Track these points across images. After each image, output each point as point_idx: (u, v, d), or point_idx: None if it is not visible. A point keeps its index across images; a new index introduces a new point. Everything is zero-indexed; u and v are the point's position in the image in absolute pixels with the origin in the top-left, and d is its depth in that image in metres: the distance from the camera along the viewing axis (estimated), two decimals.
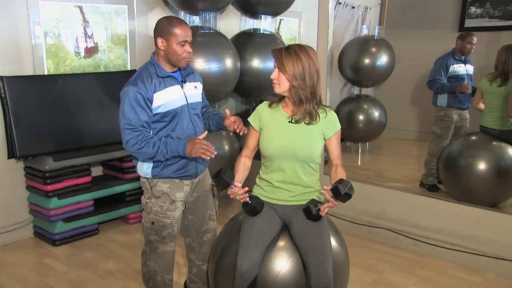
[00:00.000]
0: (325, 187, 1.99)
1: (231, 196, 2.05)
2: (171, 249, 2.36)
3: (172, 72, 2.20)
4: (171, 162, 2.20)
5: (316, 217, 2.03)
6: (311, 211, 2.02)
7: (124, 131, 2.09)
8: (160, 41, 2.12)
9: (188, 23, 3.96)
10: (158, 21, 2.16)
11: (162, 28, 2.12)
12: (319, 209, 2.01)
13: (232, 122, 2.28)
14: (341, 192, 1.89)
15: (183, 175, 2.25)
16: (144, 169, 2.24)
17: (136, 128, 2.07)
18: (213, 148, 2.06)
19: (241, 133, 2.26)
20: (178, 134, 2.19)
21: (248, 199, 2.06)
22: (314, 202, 2.04)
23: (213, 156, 2.06)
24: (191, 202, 2.41)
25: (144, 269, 2.43)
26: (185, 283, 2.72)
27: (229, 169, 2.05)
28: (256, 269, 1.96)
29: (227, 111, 2.32)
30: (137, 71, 2.19)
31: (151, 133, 2.16)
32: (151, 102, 2.11)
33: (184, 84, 2.23)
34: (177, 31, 2.10)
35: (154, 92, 2.11)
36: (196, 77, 2.35)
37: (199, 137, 2.10)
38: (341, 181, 1.92)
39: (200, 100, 2.36)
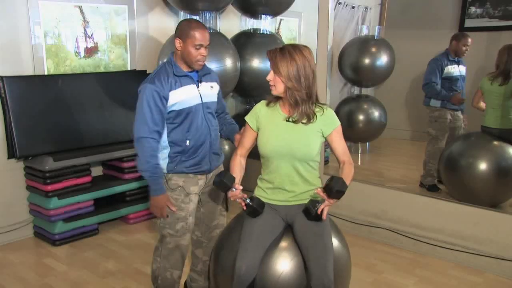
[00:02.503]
0: (318, 188, 1.99)
1: (232, 199, 2.05)
2: (183, 243, 2.37)
3: (188, 72, 2.26)
4: (186, 158, 2.28)
5: (317, 218, 2.02)
6: (310, 212, 2.01)
7: (140, 126, 2.17)
8: (178, 41, 2.20)
9: None
10: (179, 22, 2.27)
11: (181, 29, 2.20)
12: (315, 208, 2.00)
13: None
14: (332, 190, 1.89)
15: (197, 171, 2.31)
16: (160, 163, 2.29)
17: (151, 125, 2.16)
18: (164, 214, 2.28)
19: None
20: (193, 133, 2.26)
21: (249, 201, 2.06)
22: (313, 203, 2.03)
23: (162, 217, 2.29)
24: (204, 196, 2.46)
25: (154, 265, 2.43)
26: (185, 282, 2.72)
27: (229, 172, 2.06)
28: (255, 271, 1.95)
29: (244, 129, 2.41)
30: (155, 69, 2.28)
31: (165, 131, 2.24)
32: (167, 100, 2.19)
33: (200, 84, 2.29)
34: (194, 34, 2.17)
35: (170, 90, 2.19)
36: (213, 77, 2.40)
37: (167, 199, 2.26)
38: (332, 178, 1.91)
39: (215, 100, 2.41)
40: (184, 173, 2.30)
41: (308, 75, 1.99)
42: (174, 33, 2.26)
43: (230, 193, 2.02)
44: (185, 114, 2.23)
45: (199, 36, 2.17)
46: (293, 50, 1.99)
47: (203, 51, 2.20)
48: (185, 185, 2.31)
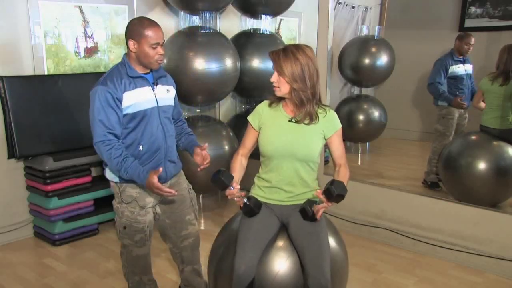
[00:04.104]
0: (318, 190, 1.98)
1: (229, 197, 2.04)
2: (145, 252, 2.36)
3: (143, 74, 2.17)
4: None
5: (313, 218, 2.02)
6: (307, 213, 2.01)
7: (95, 131, 2.09)
8: (131, 43, 2.09)
9: (188, 23, 3.97)
10: (129, 23, 2.14)
11: (133, 30, 2.09)
12: (311, 209, 2.00)
13: (201, 156, 2.25)
14: (333, 194, 1.89)
15: None
16: (111, 173, 2.23)
17: (107, 128, 2.07)
18: (172, 191, 2.07)
19: (198, 169, 2.26)
20: (146, 138, 2.17)
21: (246, 200, 2.05)
22: (309, 203, 2.03)
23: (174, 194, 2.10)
24: (166, 206, 2.37)
25: (124, 269, 2.44)
26: (179, 286, 2.70)
27: (227, 170, 2.04)
28: (254, 271, 1.95)
29: (206, 145, 2.29)
30: (108, 71, 2.17)
31: (120, 134, 2.13)
32: (121, 102, 2.09)
33: (155, 87, 2.21)
34: (149, 33, 2.06)
35: (124, 91, 2.09)
36: (168, 80, 2.32)
37: (154, 178, 2.03)
38: (332, 182, 1.91)
39: (172, 104, 2.33)
40: (137, 183, 2.16)
41: (312, 74, 2.00)
42: (125, 34, 2.13)
43: (227, 192, 2.01)
44: (140, 118, 2.13)
45: (154, 34, 2.06)
46: (296, 50, 1.99)
47: (160, 49, 2.10)
48: (139, 197, 2.22)
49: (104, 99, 2.06)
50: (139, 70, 2.16)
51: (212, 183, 2.01)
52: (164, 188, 2.05)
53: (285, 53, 1.99)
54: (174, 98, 2.37)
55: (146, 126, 2.16)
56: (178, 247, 2.45)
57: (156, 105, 2.20)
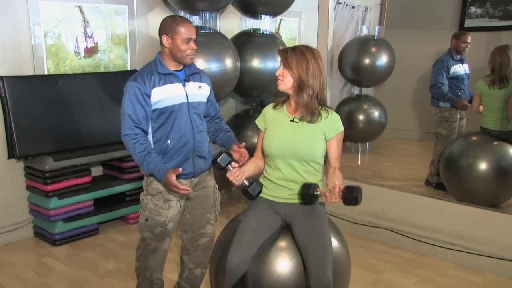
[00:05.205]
0: (337, 182, 1.98)
1: (230, 179, 2.06)
2: (163, 247, 2.37)
3: (175, 70, 2.23)
4: (167, 160, 2.22)
5: (311, 198, 2.01)
6: (308, 191, 2.00)
7: (123, 124, 2.17)
8: (165, 38, 2.18)
9: None
10: (163, 20, 2.23)
11: (167, 26, 2.18)
12: (315, 190, 1.99)
13: (240, 153, 2.27)
14: (352, 194, 1.89)
15: (180, 174, 2.19)
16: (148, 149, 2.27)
17: (134, 122, 2.14)
18: (189, 188, 2.14)
19: (240, 163, 2.27)
20: (174, 133, 2.22)
21: (246, 182, 2.08)
22: (311, 185, 2.02)
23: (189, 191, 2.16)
24: (189, 202, 2.39)
25: (137, 263, 2.45)
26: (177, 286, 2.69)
27: (228, 152, 2.10)
28: (246, 266, 1.98)
29: (244, 144, 2.33)
30: (141, 67, 2.26)
31: (149, 129, 2.21)
32: (149, 97, 2.16)
33: (186, 83, 2.26)
34: (182, 29, 2.15)
35: (153, 87, 2.16)
36: (202, 78, 2.36)
37: (172, 176, 2.08)
38: (352, 189, 1.91)
39: (204, 100, 2.36)
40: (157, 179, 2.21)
41: (315, 72, 2.05)
42: (159, 31, 2.22)
43: (228, 173, 2.06)
44: (168, 113, 2.20)
45: (186, 30, 2.16)
46: (304, 48, 2.08)
47: (192, 44, 2.18)
48: (164, 190, 2.25)
49: (134, 94, 2.14)
50: (172, 67, 2.23)
51: (212, 164, 2.05)
52: (180, 185, 2.10)
53: (293, 49, 2.08)
54: (210, 95, 2.41)
55: (175, 122, 2.22)
56: (193, 245, 2.47)
57: (186, 101, 2.25)
